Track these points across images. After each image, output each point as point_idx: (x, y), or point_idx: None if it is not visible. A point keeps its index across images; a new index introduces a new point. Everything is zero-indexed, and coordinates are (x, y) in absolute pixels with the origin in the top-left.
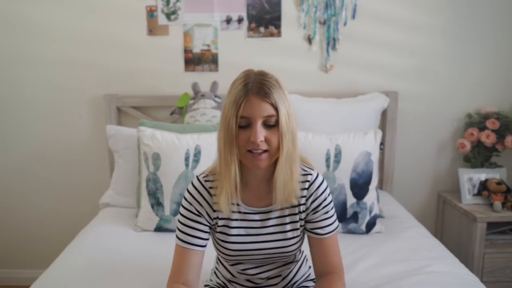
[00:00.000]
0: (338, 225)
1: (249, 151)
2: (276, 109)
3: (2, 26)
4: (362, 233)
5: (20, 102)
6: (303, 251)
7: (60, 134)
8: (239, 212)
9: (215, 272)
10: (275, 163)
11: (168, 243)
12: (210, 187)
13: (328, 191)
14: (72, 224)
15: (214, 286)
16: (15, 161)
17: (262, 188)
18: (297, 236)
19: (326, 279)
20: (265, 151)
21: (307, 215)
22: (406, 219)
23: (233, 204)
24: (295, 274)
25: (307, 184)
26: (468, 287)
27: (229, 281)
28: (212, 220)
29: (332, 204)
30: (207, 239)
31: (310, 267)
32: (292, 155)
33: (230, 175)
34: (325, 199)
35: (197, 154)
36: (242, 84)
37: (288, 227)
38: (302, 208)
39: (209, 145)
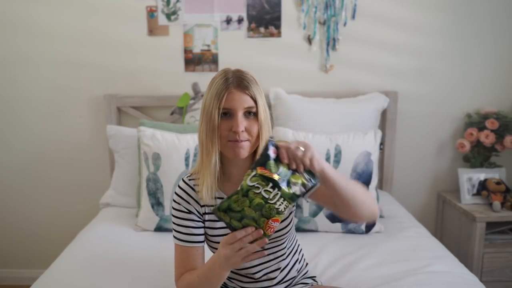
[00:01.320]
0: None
1: (230, 141)
2: (255, 101)
3: (3, 26)
4: (362, 233)
5: (20, 102)
6: (300, 249)
7: (61, 134)
8: None
9: None
10: (253, 154)
11: (168, 243)
12: (194, 185)
13: None
14: (73, 224)
15: None
16: (16, 161)
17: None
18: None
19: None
20: (245, 140)
21: None
22: (406, 219)
23: (217, 198)
24: (291, 268)
25: None
26: (468, 287)
27: (228, 278)
28: (201, 215)
29: None
30: (203, 234)
31: (307, 264)
32: None
33: (211, 164)
34: None
35: (197, 154)
36: (223, 79)
37: None
38: None
39: None
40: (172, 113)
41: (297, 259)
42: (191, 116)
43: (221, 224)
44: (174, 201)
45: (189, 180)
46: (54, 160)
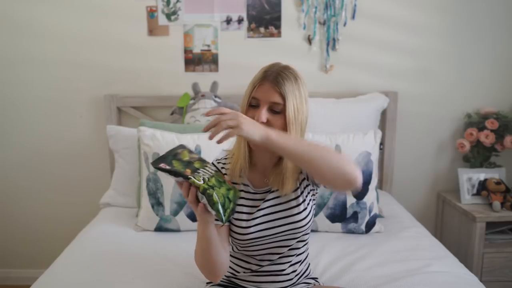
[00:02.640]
0: None
1: None
2: (283, 98)
3: (5, 26)
4: (362, 233)
5: (21, 101)
6: (307, 248)
7: (61, 134)
8: (247, 192)
9: None
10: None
11: (168, 242)
12: (222, 168)
13: None
14: (73, 224)
15: (220, 282)
16: (16, 161)
17: (269, 172)
18: (305, 207)
19: None
20: None
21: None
22: (406, 219)
23: (242, 184)
24: (301, 264)
25: None
26: (468, 287)
27: (235, 277)
28: None
29: None
30: None
31: (309, 264)
32: None
33: (240, 149)
34: None
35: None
36: (264, 70)
37: (294, 201)
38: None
39: (209, 145)
40: (172, 113)
41: (305, 258)
42: (191, 116)
43: (246, 210)
44: None
45: (218, 163)
46: (54, 160)
